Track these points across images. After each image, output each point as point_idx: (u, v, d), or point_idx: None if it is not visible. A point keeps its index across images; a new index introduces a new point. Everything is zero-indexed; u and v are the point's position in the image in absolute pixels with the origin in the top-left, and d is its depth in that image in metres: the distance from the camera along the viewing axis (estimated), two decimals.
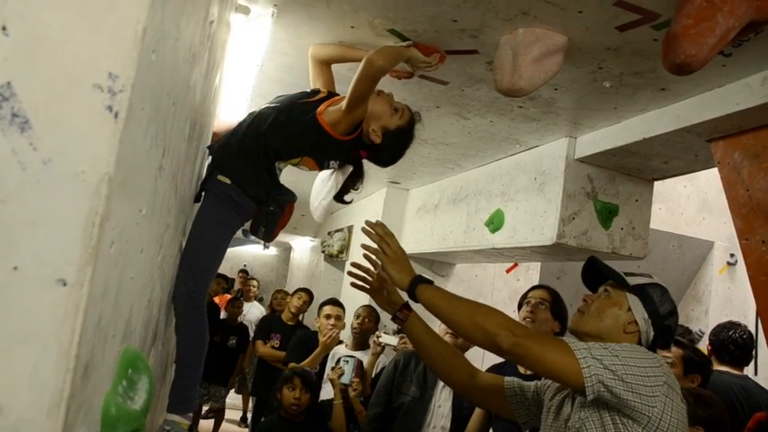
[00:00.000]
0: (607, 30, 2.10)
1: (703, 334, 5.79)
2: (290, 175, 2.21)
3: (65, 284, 0.72)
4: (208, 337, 2.02)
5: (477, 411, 2.62)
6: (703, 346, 5.53)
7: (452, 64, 2.52)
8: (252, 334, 6.08)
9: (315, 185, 2.37)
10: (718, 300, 6.22)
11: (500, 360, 2.85)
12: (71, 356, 0.72)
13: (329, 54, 2.39)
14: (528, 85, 2.19)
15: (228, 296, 7.44)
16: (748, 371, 3.35)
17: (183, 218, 1.89)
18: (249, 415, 6.62)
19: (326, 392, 3.53)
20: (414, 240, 5.07)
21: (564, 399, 1.66)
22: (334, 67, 2.43)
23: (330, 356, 3.86)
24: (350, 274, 1.96)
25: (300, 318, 5.53)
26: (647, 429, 1.43)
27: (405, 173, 4.89)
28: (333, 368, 3.48)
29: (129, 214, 0.91)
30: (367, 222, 1.84)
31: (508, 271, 5.64)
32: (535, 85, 2.21)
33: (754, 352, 3.34)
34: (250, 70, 2.86)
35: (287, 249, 12.05)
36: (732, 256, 6.17)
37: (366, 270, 1.94)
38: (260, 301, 9.15)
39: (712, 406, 2.27)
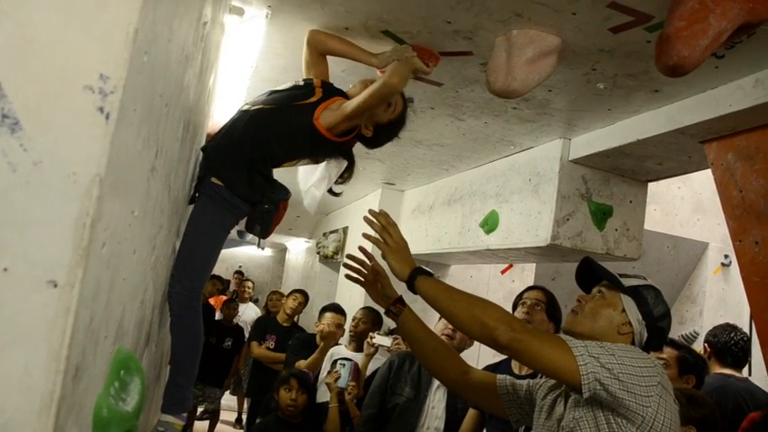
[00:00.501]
0: (600, 31, 2.10)
1: (698, 335, 5.81)
2: (283, 172, 2.21)
3: (55, 286, 0.72)
4: (203, 338, 2.02)
5: (471, 412, 2.62)
6: (697, 346, 5.56)
7: (447, 65, 2.53)
8: (247, 335, 6.07)
9: (300, 170, 2.38)
10: (713, 300, 6.23)
11: (494, 361, 2.85)
12: (62, 358, 0.72)
13: (329, 47, 2.32)
14: (522, 86, 2.20)
15: (224, 297, 7.42)
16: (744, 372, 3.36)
17: (177, 219, 1.89)
18: (244, 416, 6.61)
19: (324, 394, 3.53)
20: (409, 241, 5.04)
21: (556, 398, 1.66)
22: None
23: (328, 357, 3.86)
24: (345, 265, 1.96)
25: (296, 319, 5.53)
26: (641, 429, 1.43)
27: (399, 174, 4.89)
28: (329, 372, 3.47)
29: (121, 215, 0.91)
30: (370, 211, 1.82)
31: (503, 272, 5.65)
32: (529, 86, 2.22)
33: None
34: (244, 71, 2.86)
35: (282, 250, 12.05)
36: (726, 257, 6.19)
37: (361, 262, 1.94)
38: (255, 302, 9.14)
39: (704, 406, 2.28)
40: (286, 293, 5.91)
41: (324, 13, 2.23)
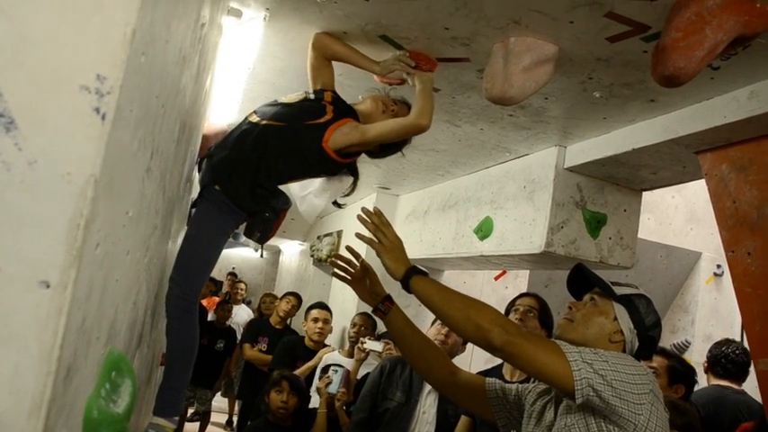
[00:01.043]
0: (597, 40, 2.11)
1: (689, 344, 5.82)
2: None
3: (48, 286, 0.71)
4: (198, 341, 2.01)
5: (464, 419, 2.62)
6: (689, 355, 5.58)
7: (444, 71, 2.53)
8: (239, 337, 6.06)
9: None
10: (705, 310, 6.25)
11: (486, 368, 2.85)
12: (53, 359, 0.71)
13: (334, 51, 2.30)
14: (518, 93, 2.20)
15: (217, 299, 7.40)
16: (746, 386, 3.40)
17: (171, 220, 1.89)
18: (235, 418, 6.59)
19: (316, 400, 3.52)
20: None
21: (546, 404, 1.65)
22: None
23: (322, 362, 3.85)
24: (332, 263, 1.95)
25: (288, 322, 5.52)
26: None
27: (395, 179, 4.90)
28: (321, 377, 3.46)
29: (116, 216, 0.90)
30: (363, 210, 1.80)
31: (496, 278, 5.66)
32: (526, 93, 2.22)
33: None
34: (241, 73, 2.86)
35: (276, 253, 12.03)
36: (719, 267, 6.21)
37: (348, 261, 1.93)
38: (248, 303, 9.12)
39: (686, 414, 2.37)
40: (279, 296, 5.90)
41: (322, 16, 2.23)
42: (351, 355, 3.80)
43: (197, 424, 6.35)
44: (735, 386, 3.23)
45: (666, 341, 5.68)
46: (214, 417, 6.65)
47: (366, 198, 5.73)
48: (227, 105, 3.19)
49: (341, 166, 2.17)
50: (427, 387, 2.68)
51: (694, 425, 2.38)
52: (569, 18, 2.00)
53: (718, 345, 3.40)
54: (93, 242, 0.78)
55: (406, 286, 1.70)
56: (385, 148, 2.29)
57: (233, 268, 12.13)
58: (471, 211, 4.13)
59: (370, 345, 3.48)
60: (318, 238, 7.05)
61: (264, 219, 2.15)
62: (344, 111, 2.20)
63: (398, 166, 4.43)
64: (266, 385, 3.38)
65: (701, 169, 2.70)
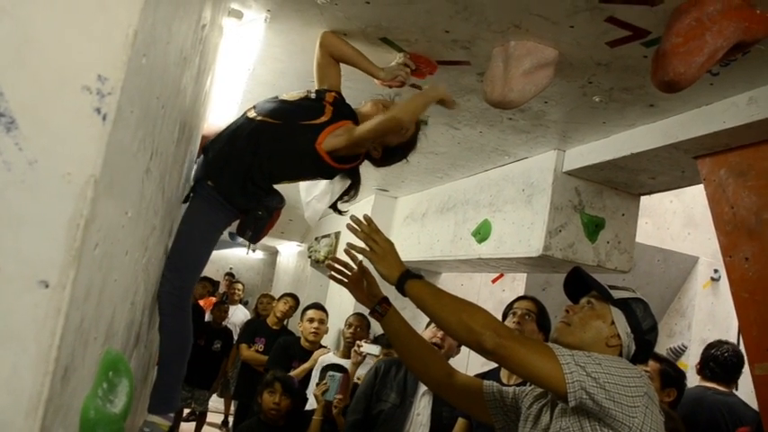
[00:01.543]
0: (598, 45, 2.11)
1: (686, 348, 5.83)
2: None
3: (47, 286, 0.71)
4: (191, 338, 2.01)
5: (460, 421, 2.62)
6: (685, 359, 5.58)
7: (444, 75, 2.53)
8: (236, 337, 6.05)
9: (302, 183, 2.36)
10: (702, 314, 6.25)
11: (483, 370, 2.85)
12: (51, 359, 0.71)
13: (341, 51, 2.27)
14: (518, 97, 2.21)
15: (214, 299, 7.39)
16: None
17: (170, 220, 1.89)
18: (231, 419, 6.58)
19: (314, 402, 3.50)
20: (400, 248, 4.97)
21: (542, 407, 1.66)
22: None
23: (318, 364, 3.84)
24: (328, 266, 1.95)
25: (285, 323, 5.51)
26: None
27: (393, 181, 4.90)
28: (318, 383, 3.44)
29: (115, 216, 0.90)
30: (353, 218, 1.80)
31: (494, 281, 5.66)
32: (525, 97, 2.22)
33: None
34: (242, 75, 2.86)
35: (273, 253, 12.01)
36: (716, 271, 6.21)
37: (345, 264, 1.93)
38: (245, 304, 9.11)
39: (671, 420, 2.39)
40: (276, 297, 5.89)
41: (323, 18, 2.23)
42: (346, 355, 3.80)
43: (193, 424, 6.35)
44: (720, 388, 3.24)
45: (663, 345, 5.69)
46: (210, 417, 6.64)
47: (364, 200, 5.73)
48: (227, 106, 3.18)
49: (335, 170, 2.12)
50: (422, 389, 2.68)
51: (679, 429, 2.44)
52: (570, 22, 2.00)
53: (708, 347, 3.41)
54: (92, 242, 0.78)
55: (401, 290, 1.71)
56: (389, 154, 2.24)
57: (230, 268, 12.12)
58: (469, 213, 4.13)
59: (368, 348, 3.48)
60: (316, 239, 7.05)
61: (257, 217, 2.12)
62: (346, 113, 2.15)
63: (397, 168, 4.40)
64: (260, 386, 3.38)
65: (699, 174, 2.70)
